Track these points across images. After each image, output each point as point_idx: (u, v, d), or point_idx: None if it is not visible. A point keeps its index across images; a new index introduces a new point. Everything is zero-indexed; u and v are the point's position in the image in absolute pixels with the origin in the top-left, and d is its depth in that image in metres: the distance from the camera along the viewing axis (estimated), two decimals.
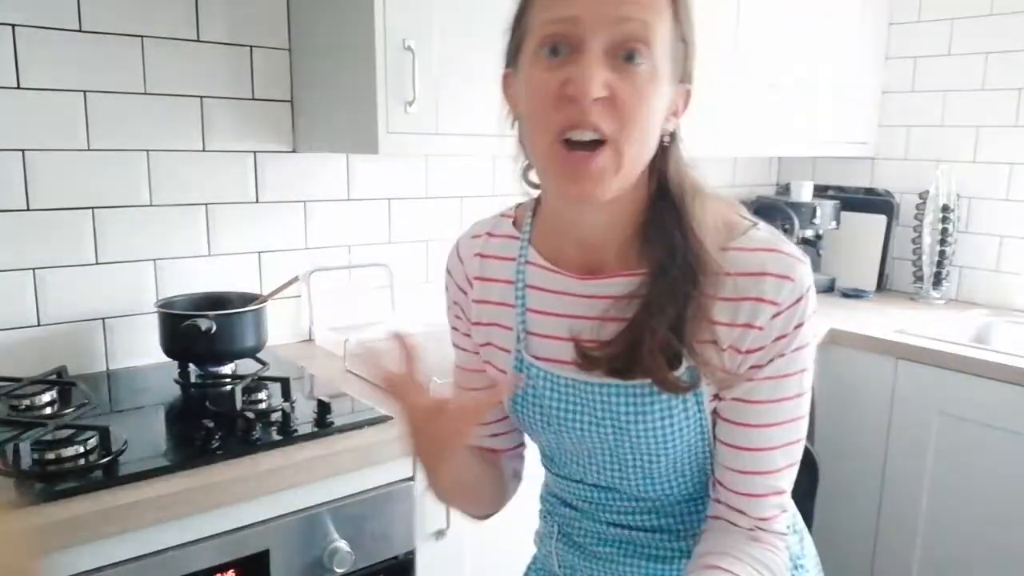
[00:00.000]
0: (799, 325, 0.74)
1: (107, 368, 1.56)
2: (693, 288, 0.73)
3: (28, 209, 1.44)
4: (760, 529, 0.78)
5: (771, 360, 0.75)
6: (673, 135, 0.78)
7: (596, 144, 0.69)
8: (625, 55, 0.68)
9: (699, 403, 0.77)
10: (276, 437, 1.21)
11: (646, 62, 0.69)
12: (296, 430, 1.23)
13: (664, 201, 0.77)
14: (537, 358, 0.83)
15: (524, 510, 1.51)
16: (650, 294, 0.74)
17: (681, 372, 0.74)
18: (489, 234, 0.90)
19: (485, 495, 0.97)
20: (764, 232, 0.77)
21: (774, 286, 0.72)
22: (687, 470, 0.82)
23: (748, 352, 0.74)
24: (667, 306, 0.73)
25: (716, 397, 0.78)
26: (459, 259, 0.92)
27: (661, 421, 0.77)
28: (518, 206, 0.90)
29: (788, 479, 0.79)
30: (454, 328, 0.96)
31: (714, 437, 0.80)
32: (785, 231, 2.44)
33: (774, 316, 0.73)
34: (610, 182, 0.71)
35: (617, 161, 0.70)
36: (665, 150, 0.77)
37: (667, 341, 0.73)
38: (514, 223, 0.89)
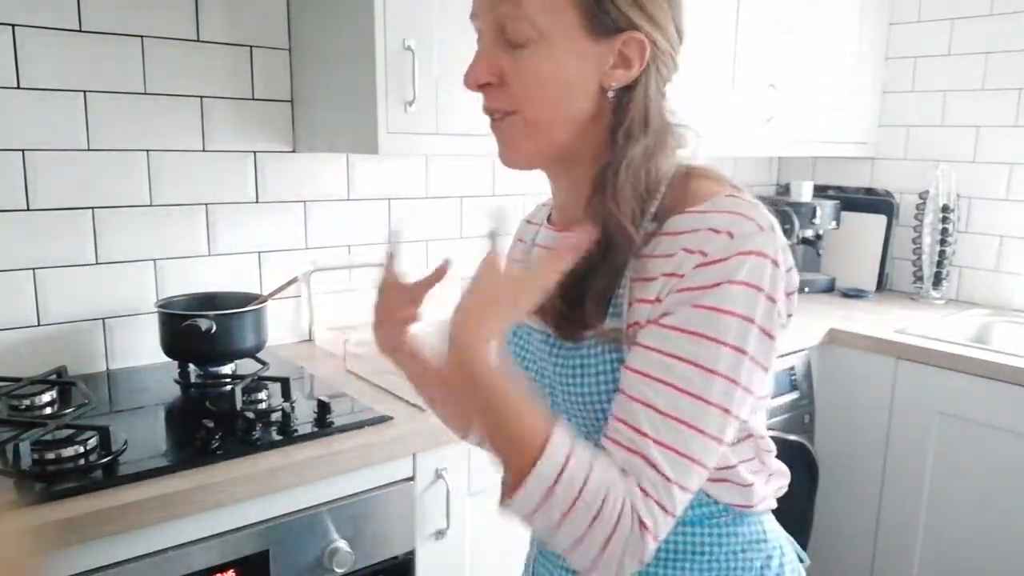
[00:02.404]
0: (723, 283, 0.66)
1: (107, 368, 1.56)
2: (605, 253, 0.72)
3: (28, 209, 1.44)
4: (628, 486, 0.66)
5: (679, 307, 0.68)
6: (629, 88, 0.74)
7: (506, 115, 0.76)
8: (510, 35, 0.73)
9: (617, 363, 0.73)
10: (276, 437, 1.21)
11: (532, 37, 0.71)
12: (296, 430, 1.23)
13: (613, 158, 0.75)
14: None
15: None
16: (588, 250, 0.72)
17: (587, 333, 0.73)
18: (543, 204, 0.97)
19: None
20: (737, 199, 0.72)
21: (705, 238, 0.68)
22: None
23: (665, 298, 0.69)
24: (579, 268, 0.70)
25: None
26: (511, 244, 1.00)
27: (577, 375, 0.75)
28: None
29: (671, 463, 0.66)
30: None
31: None
32: (785, 231, 2.42)
33: (698, 265, 0.67)
34: (523, 144, 0.76)
35: (525, 127, 0.75)
36: (618, 105, 0.74)
37: (571, 300, 0.73)
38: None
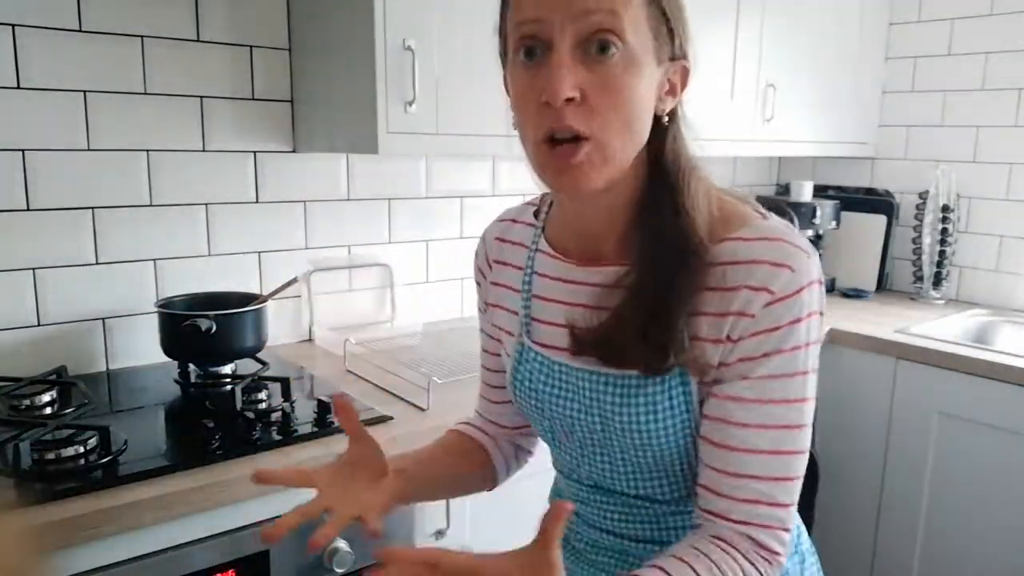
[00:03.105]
0: (796, 320, 0.69)
1: (107, 368, 1.56)
2: (677, 276, 0.71)
3: (28, 209, 1.44)
4: (744, 535, 0.71)
5: (764, 354, 0.70)
6: (673, 113, 0.76)
7: (578, 139, 0.69)
8: (597, 47, 0.68)
9: (687, 397, 0.74)
10: (276, 437, 1.21)
11: (618, 51, 0.68)
12: (296, 430, 1.23)
13: (658, 184, 0.75)
14: (538, 343, 0.84)
15: (524, 510, 1.51)
16: (634, 282, 0.73)
17: (670, 363, 0.72)
18: (513, 220, 0.93)
19: (470, 489, 0.99)
20: (772, 222, 0.73)
21: (769, 274, 0.69)
22: (675, 469, 0.79)
23: (738, 340, 0.71)
24: (649, 294, 0.71)
25: (708, 392, 0.74)
26: (484, 241, 0.96)
27: (646, 412, 0.75)
28: (544, 195, 0.91)
29: (783, 490, 0.72)
30: (479, 310, 0.98)
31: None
32: None
33: (767, 304, 0.69)
34: (597, 173, 0.71)
35: (601, 153, 0.70)
36: (662, 130, 0.75)
37: (647, 330, 0.71)
38: (535, 213, 0.90)
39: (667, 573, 0.68)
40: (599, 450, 0.82)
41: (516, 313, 0.87)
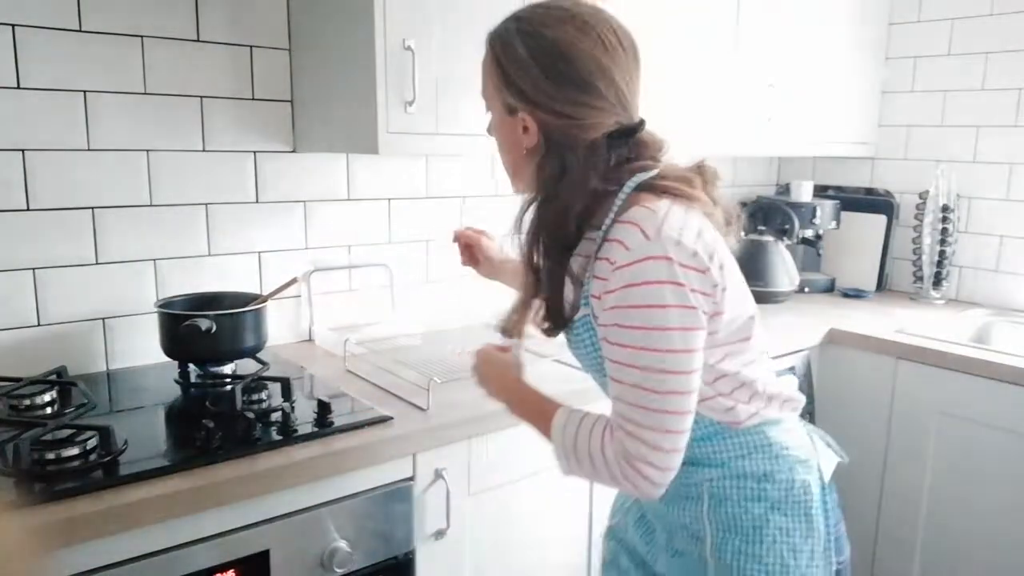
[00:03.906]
0: (632, 284, 0.90)
1: (107, 368, 1.56)
2: (549, 252, 1.01)
3: (28, 209, 1.44)
4: (618, 432, 0.94)
5: (613, 307, 0.92)
6: (537, 147, 1.00)
7: None
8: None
9: (594, 337, 0.99)
10: (276, 437, 1.21)
11: (490, 110, 1.07)
12: (296, 430, 1.23)
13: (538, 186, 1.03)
14: None
15: (523, 510, 1.52)
16: (523, 262, 1.05)
17: (567, 317, 1.02)
18: None
19: None
20: (638, 210, 0.94)
21: (610, 247, 0.94)
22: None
23: (599, 297, 0.95)
24: (529, 268, 1.04)
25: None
26: None
27: (581, 350, 1.04)
28: None
29: (645, 417, 0.91)
30: None
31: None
32: (785, 231, 2.44)
33: (612, 271, 0.92)
34: (509, 179, 1.09)
35: (505, 167, 1.09)
36: (530, 156, 1.02)
37: (541, 298, 1.03)
38: None
39: (568, 410, 1.01)
40: (590, 372, 1.11)
41: None
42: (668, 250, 0.90)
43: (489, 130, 1.08)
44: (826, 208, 2.49)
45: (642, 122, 1.01)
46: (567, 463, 0.99)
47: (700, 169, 1.03)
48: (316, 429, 1.24)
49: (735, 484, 1.04)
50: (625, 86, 0.99)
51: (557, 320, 1.03)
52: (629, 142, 1.00)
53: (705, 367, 0.96)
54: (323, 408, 1.27)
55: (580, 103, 0.96)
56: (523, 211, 1.02)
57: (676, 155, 1.06)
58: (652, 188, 0.98)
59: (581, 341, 1.03)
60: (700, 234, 0.94)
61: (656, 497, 0.95)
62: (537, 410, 1.05)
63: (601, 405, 1.20)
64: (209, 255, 1.66)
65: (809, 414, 2.08)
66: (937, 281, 2.43)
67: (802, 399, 1.14)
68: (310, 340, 1.82)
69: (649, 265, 0.90)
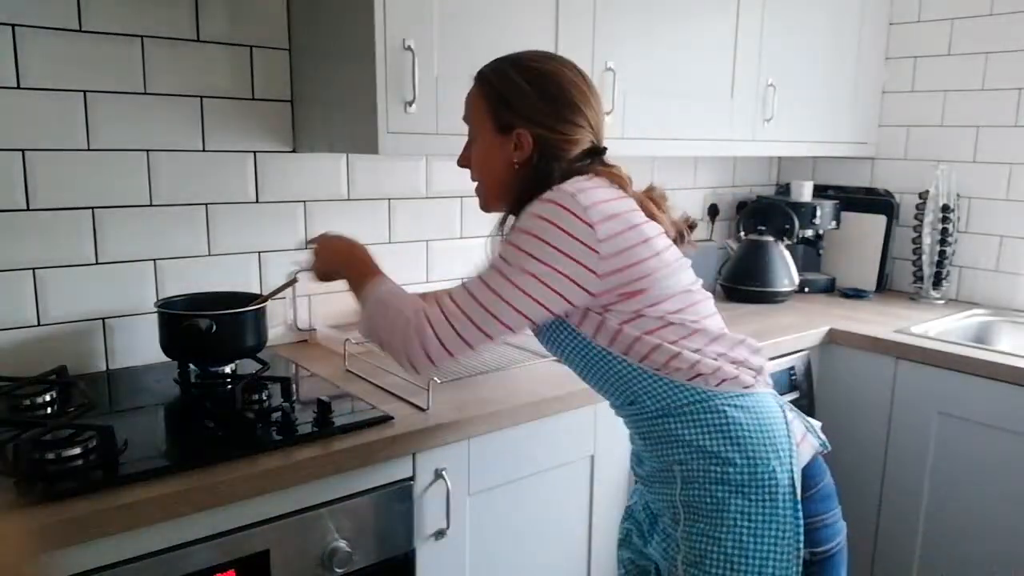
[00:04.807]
0: (524, 216, 1.10)
1: (107, 368, 1.56)
2: None
3: (28, 209, 1.44)
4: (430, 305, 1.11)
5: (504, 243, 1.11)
6: (528, 160, 1.16)
7: None
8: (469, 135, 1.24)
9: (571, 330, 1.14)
10: (276, 437, 1.21)
11: (474, 137, 1.23)
12: (296, 430, 1.23)
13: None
14: None
15: (523, 510, 1.52)
16: None
17: None
18: None
19: None
20: (553, 192, 1.09)
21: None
22: (592, 379, 1.19)
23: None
24: None
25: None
26: None
27: (543, 336, 1.19)
28: None
29: (454, 295, 1.10)
30: None
31: (586, 356, 1.15)
32: (785, 231, 2.44)
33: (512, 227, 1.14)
34: (483, 200, 1.27)
35: (481, 190, 1.25)
36: (520, 170, 1.17)
37: None
38: None
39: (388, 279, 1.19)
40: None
41: None
42: (562, 199, 1.07)
43: (461, 160, 1.26)
44: (826, 208, 2.49)
45: (605, 148, 1.21)
46: (368, 307, 1.15)
47: (648, 190, 1.21)
48: (316, 429, 1.24)
49: (701, 466, 1.09)
50: (595, 115, 1.18)
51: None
52: (596, 160, 1.18)
53: (647, 318, 1.09)
54: (323, 408, 1.27)
55: (569, 121, 1.15)
56: (504, 217, 1.22)
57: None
58: (582, 171, 1.15)
59: (548, 332, 1.17)
60: (603, 199, 1.08)
61: (412, 370, 1.11)
62: (369, 271, 1.21)
63: (601, 406, 1.20)
64: (209, 255, 1.66)
65: (809, 415, 2.08)
66: (937, 281, 2.43)
67: (762, 366, 1.18)
68: (310, 340, 1.82)
69: (541, 204, 1.08)
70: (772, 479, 1.07)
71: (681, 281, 1.14)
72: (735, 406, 1.09)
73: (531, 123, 1.15)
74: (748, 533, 1.06)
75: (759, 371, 1.16)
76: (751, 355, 1.16)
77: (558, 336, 1.16)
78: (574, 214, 1.06)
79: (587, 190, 1.09)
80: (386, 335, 1.11)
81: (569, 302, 1.08)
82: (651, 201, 1.19)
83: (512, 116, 1.16)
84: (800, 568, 1.06)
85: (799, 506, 1.07)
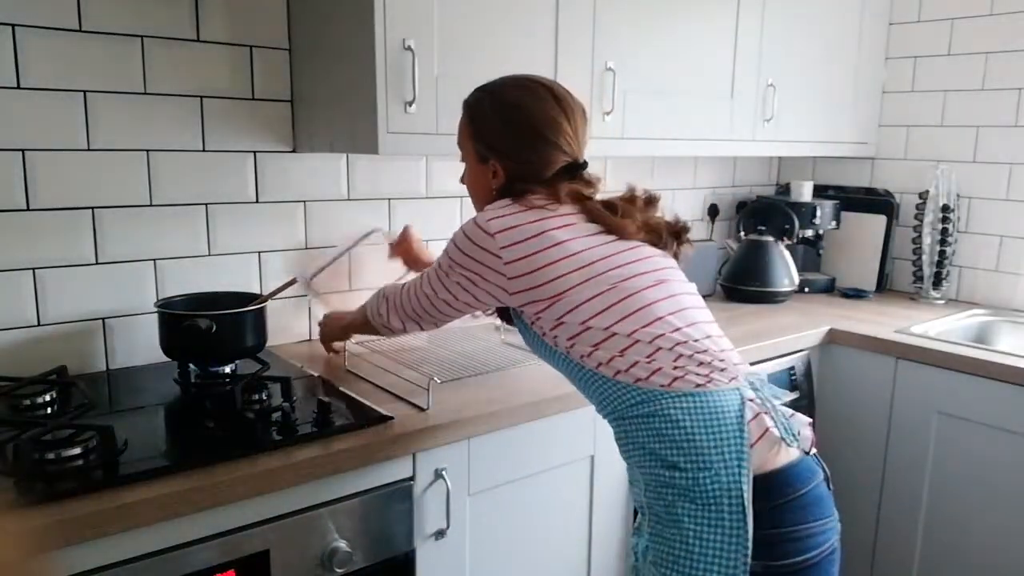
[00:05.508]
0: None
1: (107, 368, 1.56)
2: None
3: (28, 209, 1.44)
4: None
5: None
6: (503, 185, 1.26)
7: None
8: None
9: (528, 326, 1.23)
10: (276, 437, 1.21)
11: (465, 162, 1.34)
12: (296, 430, 1.23)
13: None
14: None
15: (523, 511, 1.51)
16: None
17: None
18: None
19: None
20: (479, 215, 1.22)
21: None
22: (568, 379, 1.24)
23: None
24: None
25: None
26: None
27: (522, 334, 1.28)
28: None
29: (390, 291, 1.39)
30: None
31: (559, 354, 1.19)
32: (785, 231, 2.44)
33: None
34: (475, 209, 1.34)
35: (474, 206, 1.35)
36: (499, 193, 1.26)
37: None
38: None
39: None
40: None
41: None
42: (478, 221, 1.20)
43: (462, 179, 1.36)
44: (826, 208, 2.49)
45: (585, 163, 1.26)
46: (373, 306, 1.41)
47: (630, 195, 1.28)
48: (316, 429, 1.24)
49: (653, 471, 1.11)
50: (570, 136, 1.23)
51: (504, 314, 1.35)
52: (572, 176, 1.24)
53: (567, 324, 1.15)
54: (323, 408, 1.27)
55: (537, 151, 1.23)
56: None
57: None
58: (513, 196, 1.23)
59: (522, 333, 1.27)
60: (510, 222, 1.18)
61: (380, 332, 1.43)
62: (355, 315, 1.49)
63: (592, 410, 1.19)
64: (209, 255, 1.66)
65: (809, 415, 2.08)
66: (937, 281, 2.43)
67: (737, 367, 1.16)
68: (310, 340, 1.82)
69: (468, 225, 1.22)
70: (716, 484, 1.04)
71: (610, 281, 1.15)
72: (682, 408, 1.08)
73: (502, 157, 1.25)
74: (695, 537, 1.05)
75: (718, 368, 1.11)
76: (696, 356, 1.12)
77: (527, 338, 1.26)
78: (484, 233, 1.19)
79: (498, 217, 1.19)
80: (378, 320, 1.39)
81: (483, 302, 1.25)
82: (607, 207, 1.23)
83: (486, 149, 1.27)
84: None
85: (746, 513, 1.03)
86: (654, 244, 1.24)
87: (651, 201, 1.29)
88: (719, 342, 1.17)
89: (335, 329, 1.59)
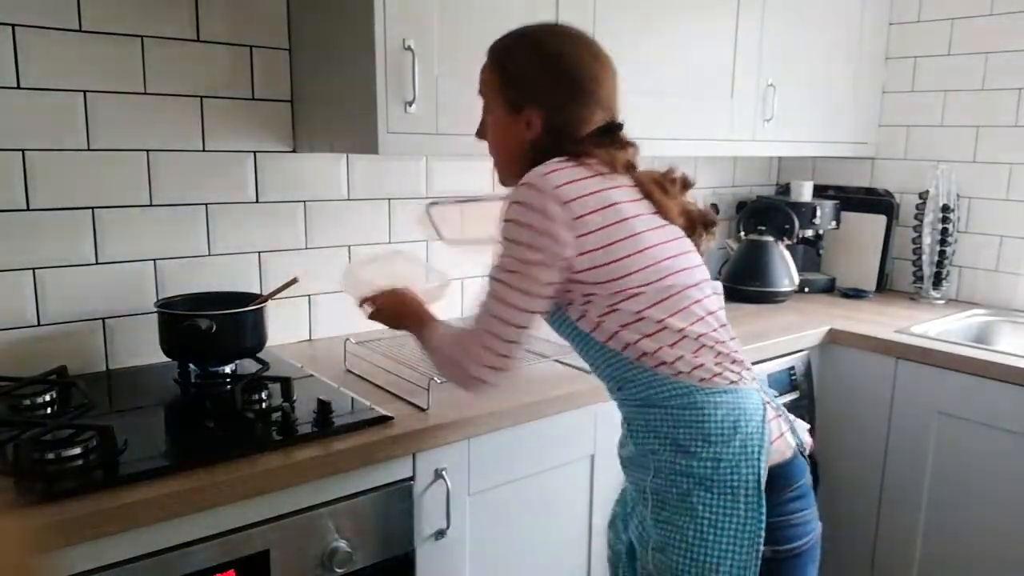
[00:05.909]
0: (506, 205, 1.10)
1: (107, 368, 1.56)
2: None
3: (28, 209, 1.44)
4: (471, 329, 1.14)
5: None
6: (539, 139, 1.16)
7: None
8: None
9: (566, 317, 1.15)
10: (276, 437, 1.21)
11: (488, 112, 1.23)
12: (296, 430, 1.23)
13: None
14: None
15: (523, 510, 1.51)
16: None
17: None
18: None
19: None
20: (531, 174, 1.10)
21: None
22: (587, 360, 1.19)
23: None
24: None
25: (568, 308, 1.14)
26: None
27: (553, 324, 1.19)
28: None
29: (476, 320, 1.13)
30: None
31: (581, 337, 1.15)
32: (785, 231, 2.44)
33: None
34: (499, 175, 1.26)
35: (497, 164, 1.26)
36: (532, 148, 1.16)
37: None
38: None
39: (440, 323, 1.24)
40: None
41: None
42: (535, 181, 1.08)
43: (479, 133, 1.25)
44: (826, 208, 2.49)
45: (622, 123, 1.20)
46: (431, 357, 1.21)
47: (671, 174, 1.23)
48: (316, 429, 1.24)
49: (670, 458, 1.11)
50: (609, 93, 1.17)
51: None
52: (611, 137, 1.17)
53: (622, 312, 1.09)
54: (323, 408, 1.27)
55: (579, 103, 1.15)
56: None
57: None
58: (569, 155, 1.13)
59: (552, 318, 1.18)
60: (575, 181, 1.08)
61: (472, 389, 1.15)
62: (423, 320, 1.26)
63: (601, 406, 1.20)
64: (209, 255, 1.66)
65: (809, 415, 2.09)
66: (937, 281, 2.43)
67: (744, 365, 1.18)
68: (310, 340, 1.82)
69: (519, 190, 1.09)
70: (735, 475, 1.08)
71: (665, 271, 1.12)
72: (716, 403, 1.09)
73: (540, 105, 1.15)
74: (709, 525, 1.08)
75: (746, 368, 1.17)
76: (731, 355, 1.15)
77: (555, 317, 1.17)
78: (546, 197, 1.07)
79: (558, 170, 1.09)
80: (452, 379, 1.18)
81: (554, 283, 1.10)
82: (656, 184, 1.18)
83: (522, 97, 1.16)
84: (758, 563, 1.07)
85: (762, 503, 1.07)
86: (687, 232, 1.22)
87: (686, 185, 1.25)
88: (738, 344, 1.19)
89: (393, 311, 1.33)
